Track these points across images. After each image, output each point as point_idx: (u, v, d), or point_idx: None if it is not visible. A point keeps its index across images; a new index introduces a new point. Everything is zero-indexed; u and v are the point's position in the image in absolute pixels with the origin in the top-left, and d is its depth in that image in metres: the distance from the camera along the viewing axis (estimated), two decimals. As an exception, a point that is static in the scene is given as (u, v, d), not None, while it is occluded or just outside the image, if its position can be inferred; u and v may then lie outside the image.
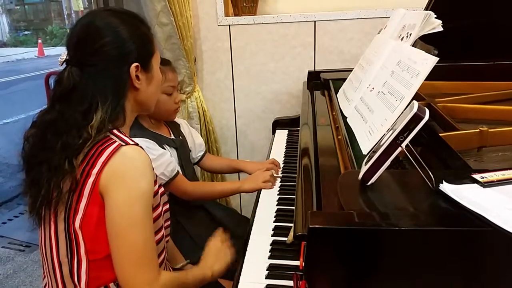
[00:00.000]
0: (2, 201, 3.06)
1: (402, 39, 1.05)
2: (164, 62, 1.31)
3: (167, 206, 0.99)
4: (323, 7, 1.90)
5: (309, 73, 1.77)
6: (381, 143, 0.66)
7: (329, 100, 1.45)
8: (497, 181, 0.64)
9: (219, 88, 2.06)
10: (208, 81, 2.05)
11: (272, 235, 1.01)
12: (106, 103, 0.85)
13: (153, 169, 0.88)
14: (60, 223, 0.86)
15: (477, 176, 0.64)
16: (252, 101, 2.05)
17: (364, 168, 0.67)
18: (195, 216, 1.38)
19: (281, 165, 1.41)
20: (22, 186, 0.89)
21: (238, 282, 0.87)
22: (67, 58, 0.88)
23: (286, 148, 1.56)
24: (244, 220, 1.46)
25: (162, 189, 0.95)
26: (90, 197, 0.83)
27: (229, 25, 1.94)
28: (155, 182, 0.89)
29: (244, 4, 1.92)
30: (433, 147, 0.84)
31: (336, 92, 1.37)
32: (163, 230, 0.95)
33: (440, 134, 0.87)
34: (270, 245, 0.97)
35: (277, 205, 1.15)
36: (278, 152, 1.52)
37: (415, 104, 0.63)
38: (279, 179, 1.31)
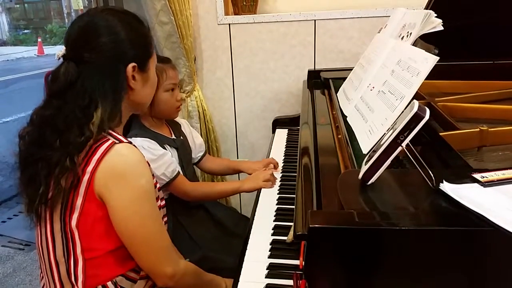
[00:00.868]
0: (2, 200, 3.06)
1: (402, 38, 1.05)
2: (165, 60, 1.31)
3: (163, 202, 1.00)
4: (323, 6, 1.90)
5: (309, 72, 1.77)
6: (381, 143, 0.66)
7: (329, 99, 1.44)
8: (497, 180, 0.64)
9: (219, 87, 2.06)
10: (208, 80, 2.05)
11: (272, 234, 1.01)
12: (105, 101, 0.85)
13: (148, 164, 0.89)
14: (56, 222, 0.86)
15: (477, 176, 0.64)
16: (252, 100, 2.05)
17: (364, 168, 0.67)
18: (194, 215, 1.38)
19: (281, 164, 1.41)
20: (18, 185, 0.89)
21: (238, 281, 0.86)
22: (65, 53, 0.87)
23: (286, 147, 1.56)
24: (244, 219, 1.46)
25: (158, 183, 0.97)
26: (86, 195, 0.83)
27: (229, 24, 1.94)
28: (153, 175, 0.91)
29: (244, 3, 1.92)
30: (433, 146, 0.84)
31: (336, 91, 1.37)
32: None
33: (440, 134, 0.87)
34: (270, 244, 0.97)
35: (277, 204, 1.15)
36: (278, 151, 1.52)
37: (416, 103, 0.63)
38: (279, 178, 1.31)
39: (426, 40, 0.98)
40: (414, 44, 0.96)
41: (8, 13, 17.79)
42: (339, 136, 1.07)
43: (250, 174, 1.41)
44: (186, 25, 1.82)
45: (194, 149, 1.47)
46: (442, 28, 0.92)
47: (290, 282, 0.84)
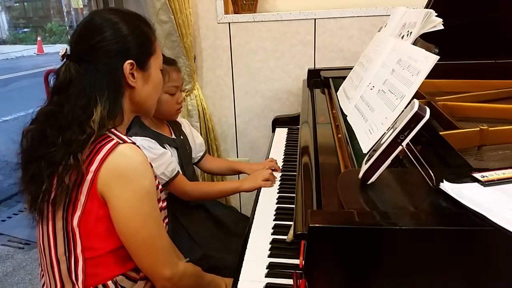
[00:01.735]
0: (2, 199, 3.06)
1: (402, 37, 1.05)
2: (170, 62, 1.31)
3: (165, 203, 1.00)
4: (323, 5, 1.90)
5: (309, 71, 1.77)
6: (382, 142, 0.66)
7: (329, 98, 1.44)
8: (497, 180, 0.63)
9: (219, 86, 2.05)
10: (207, 79, 2.05)
11: (272, 234, 1.01)
12: (103, 99, 0.86)
13: (151, 165, 0.89)
14: (58, 221, 0.86)
15: (477, 175, 0.64)
16: (251, 99, 2.05)
17: (364, 167, 0.67)
18: (194, 215, 1.38)
19: (281, 164, 1.41)
20: (20, 183, 0.89)
21: (238, 280, 0.86)
22: (67, 53, 0.88)
23: (286, 146, 1.56)
24: (243, 219, 1.46)
25: (160, 185, 0.97)
26: (89, 194, 0.83)
27: (229, 23, 1.94)
28: (155, 177, 0.91)
29: (244, 2, 1.92)
30: (434, 145, 0.84)
31: (336, 90, 1.37)
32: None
33: (441, 133, 0.87)
34: (270, 244, 0.97)
35: (277, 204, 1.15)
36: (278, 151, 1.52)
37: (416, 102, 0.63)
38: (278, 178, 1.31)
39: (426, 39, 0.98)
40: (414, 43, 0.96)
41: (8, 12, 17.76)
42: (339, 136, 1.06)
43: (250, 174, 1.41)
44: (186, 24, 1.82)
45: (194, 149, 1.47)
46: (442, 27, 0.92)
47: (290, 281, 0.84)
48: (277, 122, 1.78)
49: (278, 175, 1.33)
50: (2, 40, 16.31)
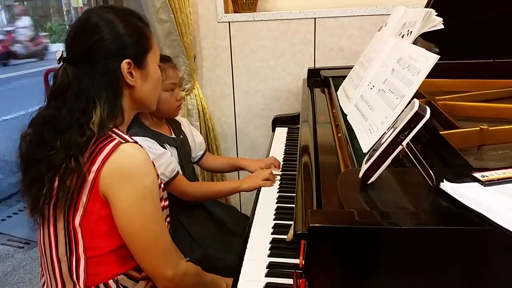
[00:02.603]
0: (1, 198, 3.06)
1: (402, 36, 1.05)
2: (165, 59, 1.30)
3: (167, 202, 1.00)
4: (323, 4, 1.90)
5: (309, 70, 1.77)
6: (382, 142, 0.66)
7: (329, 98, 1.44)
8: (497, 179, 0.63)
9: (219, 85, 2.05)
10: (207, 78, 2.05)
11: (272, 233, 1.01)
12: (102, 100, 0.85)
13: (153, 164, 0.89)
14: (60, 221, 0.86)
15: (477, 175, 0.64)
16: (251, 99, 2.05)
17: (364, 167, 0.67)
18: (194, 214, 1.38)
19: (281, 163, 1.41)
20: (20, 186, 0.89)
21: (238, 279, 0.86)
22: (63, 56, 0.87)
23: (286, 146, 1.56)
24: (243, 218, 1.46)
25: (162, 183, 0.97)
26: (90, 194, 0.83)
27: (229, 22, 1.94)
28: (158, 176, 0.91)
29: (244, 1, 1.91)
30: (434, 145, 0.84)
31: (336, 90, 1.37)
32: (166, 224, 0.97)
33: (441, 132, 0.87)
34: (270, 243, 0.97)
35: (277, 203, 1.15)
36: (278, 150, 1.52)
37: (416, 102, 0.63)
38: (278, 177, 1.31)
39: (427, 39, 0.98)
40: (415, 42, 0.96)
41: (8, 11, 17.74)
42: (339, 135, 1.06)
43: (250, 171, 1.41)
44: (185, 23, 1.81)
45: (194, 148, 1.47)
46: (442, 26, 0.91)
47: (290, 281, 0.84)
48: (277, 122, 1.77)
49: (278, 174, 1.32)
50: (1, 39, 16.26)
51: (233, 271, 0.90)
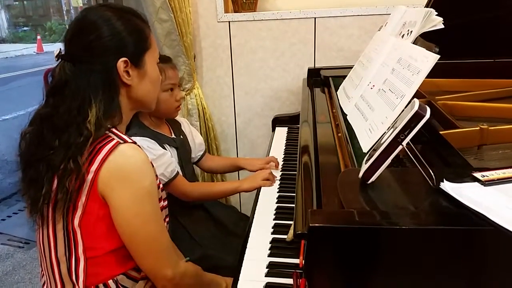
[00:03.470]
0: (1, 198, 3.06)
1: (402, 36, 1.05)
2: (164, 59, 1.30)
3: (166, 202, 0.99)
4: (323, 4, 1.90)
5: (309, 70, 1.77)
6: (382, 141, 0.66)
7: (329, 98, 1.44)
8: (497, 179, 0.63)
9: (219, 85, 2.05)
10: (207, 78, 2.05)
11: (272, 233, 1.01)
12: (98, 98, 0.84)
13: (152, 165, 0.88)
14: (59, 221, 0.85)
15: (478, 175, 0.64)
16: (251, 98, 2.05)
17: (364, 167, 0.67)
18: (194, 215, 1.38)
19: (281, 163, 1.41)
20: (20, 185, 0.89)
21: (238, 279, 0.86)
22: (61, 53, 0.87)
23: (286, 145, 1.56)
24: (243, 218, 1.46)
25: (160, 184, 0.97)
26: (89, 194, 0.83)
27: (229, 22, 1.93)
28: (156, 176, 0.90)
29: (244, 1, 1.91)
30: (434, 145, 0.84)
31: (336, 89, 1.37)
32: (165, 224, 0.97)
33: (441, 132, 0.87)
34: (270, 243, 0.97)
35: (277, 203, 1.15)
36: (278, 150, 1.52)
37: (416, 102, 0.63)
38: (278, 177, 1.31)
39: (427, 38, 0.98)
40: (415, 42, 0.96)
41: (7, 10, 17.73)
42: (339, 135, 1.06)
43: (250, 170, 1.41)
44: (185, 22, 1.81)
45: (194, 148, 1.47)
46: (442, 26, 0.91)
47: (290, 280, 0.83)
48: (277, 121, 1.77)
49: (278, 174, 1.32)
50: (1, 39, 16.28)
51: (233, 271, 0.90)
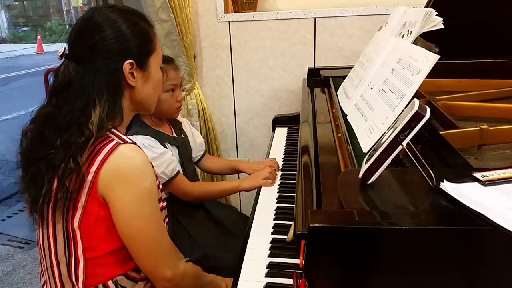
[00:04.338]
0: (2, 198, 3.06)
1: (402, 36, 1.05)
2: (167, 60, 1.30)
3: (165, 203, 0.99)
4: (323, 4, 1.90)
5: (309, 70, 1.77)
6: (382, 142, 0.66)
7: (329, 98, 1.44)
8: (497, 179, 0.63)
9: (219, 85, 2.05)
10: (207, 78, 2.05)
11: (272, 233, 1.01)
12: (102, 99, 0.85)
13: (152, 165, 0.88)
14: (59, 221, 0.85)
15: (477, 175, 0.64)
16: (251, 98, 2.05)
17: (364, 167, 0.67)
18: (194, 215, 1.38)
19: (281, 163, 1.41)
20: (20, 183, 0.89)
21: (238, 280, 0.86)
22: (66, 52, 0.87)
23: (286, 145, 1.56)
24: (243, 218, 1.46)
25: (160, 184, 0.96)
26: (89, 195, 0.83)
27: (229, 22, 1.94)
28: (156, 177, 0.90)
29: (244, 1, 1.91)
30: (434, 145, 0.84)
31: (336, 90, 1.37)
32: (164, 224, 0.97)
33: (441, 132, 0.87)
34: (270, 243, 0.97)
35: (277, 203, 1.15)
36: (278, 150, 1.52)
37: (416, 102, 0.63)
38: (278, 177, 1.31)
39: (427, 39, 0.98)
40: (415, 42, 0.96)
41: (7, 11, 17.73)
42: (339, 135, 1.06)
43: (249, 174, 1.41)
44: (185, 22, 1.81)
45: (194, 148, 1.47)
46: (442, 26, 0.91)
47: (290, 281, 0.83)
48: (277, 122, 1.77)
49: (278, 174, 1.32)
50: (1, 39, 16.28)
51: (233, 271, 0.89)
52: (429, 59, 0.80)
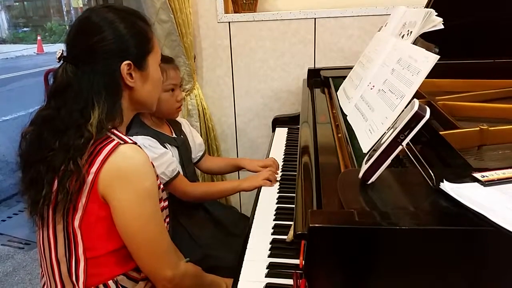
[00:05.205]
0: (2, 198, 3.06)
1: (402, 36, 1.05)
2: (167, 60, 1.30)
3: (166, 203, 0.99)
4: (323, 4, 1.90)
5: (309, 70, 1.77)
6: (382, 142, 0.66)
7: (329, 98, 1.44)
8: (497, 180, 0.63)
9: (219, 86, 2.05)
10: (207, 78, 2.05)
11: (272, 234, 1.01)
12: (101, 101, 0.85)
13: (153, 165, 0.88)
14: (59, 222, 0.85)
15: (477, 175, 0.64)
16: (251, 99, 2.05)
17: (364, 167, 0.67)
18: (194, 215, 1.38)
19: (281, 163, 1.41)
20: (20, 185, 0.89)
21: (238, 280, 0.86)
22: (63, 54, 0.87)
23: (286, 146, 1.56)
24: (243, 219, 1.46)
25: (161, 184, 0.97)
26: (89, 195, 0.83)
27: (229, 22, 1.94)
28: (157, 177, 0.91)
29: (244, 1, 1.91)
30: (434, 145, 0.84)
31: (336, 90, 1.37)
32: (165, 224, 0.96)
33: (441, 132, 0.87)
34: (270, 244, 0.97)
35: (277, 204, 1.15)
36: (278, 150, 1.52)
37: (416, 102, 0.63)
38: (278, 177, 1.31)
39: (427, 39, 0.98)
40: (415, 42, 0.96)
41: (8, 11, 17.74)
42: (339, 135, 1.06)
43: (250, 170, 1.41)
44: (186, 23, 1.81)
45: (194, 149, 1.47)
46: (442, 26, 0.91)
47: (290, 281, 0.83)
48: (277, 122, 1.77)
49: (278, 175, 1.32)
50: (2, 40, 16.29)
51: (233, 271, 0.89)
52: (429, 59, 0.80)
